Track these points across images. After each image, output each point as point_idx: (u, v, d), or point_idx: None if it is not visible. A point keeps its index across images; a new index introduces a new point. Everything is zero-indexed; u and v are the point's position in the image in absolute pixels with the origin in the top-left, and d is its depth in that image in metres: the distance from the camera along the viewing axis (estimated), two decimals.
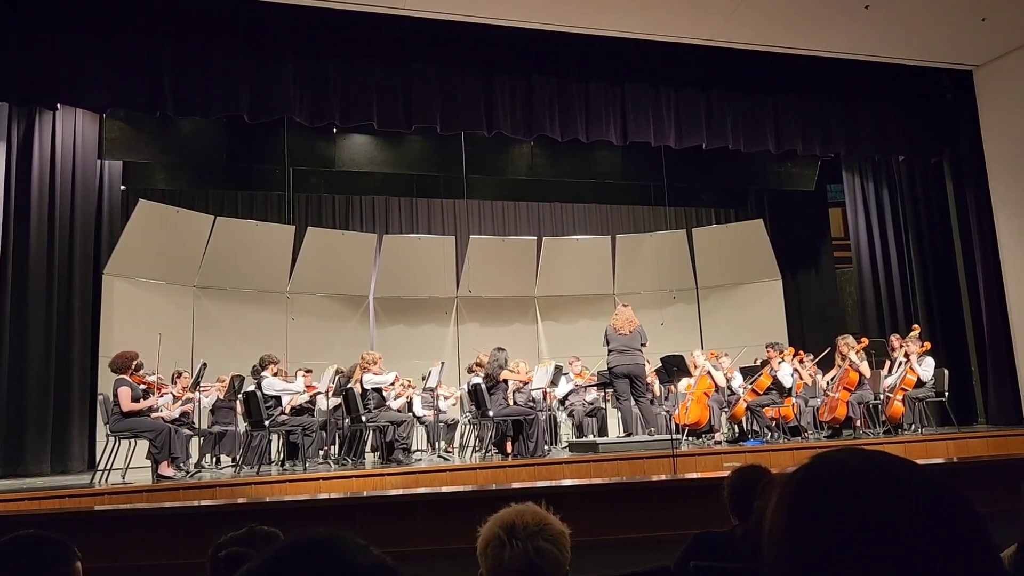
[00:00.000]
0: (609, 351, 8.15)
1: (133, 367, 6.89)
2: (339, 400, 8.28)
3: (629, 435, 8.16)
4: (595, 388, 9.66)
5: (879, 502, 0.65)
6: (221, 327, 10.32)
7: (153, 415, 7.06)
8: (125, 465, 6.98)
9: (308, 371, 8.69)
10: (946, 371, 8.68)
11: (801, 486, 0.70)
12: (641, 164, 11.40)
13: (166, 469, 6.72)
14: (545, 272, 12.13)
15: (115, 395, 6.78)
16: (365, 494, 5.25)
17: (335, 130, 10.41)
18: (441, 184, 12.07)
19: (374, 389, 7.94)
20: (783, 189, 12.45)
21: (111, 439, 6.83)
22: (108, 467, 6.76)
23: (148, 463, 6.93)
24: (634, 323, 8.12)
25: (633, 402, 8.19)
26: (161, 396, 7.29)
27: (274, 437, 8.19)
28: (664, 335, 8.81)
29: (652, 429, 8.23)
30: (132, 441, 6.99)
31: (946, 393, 8.56)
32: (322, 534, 0.71)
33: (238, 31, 7.84)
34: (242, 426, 8.29)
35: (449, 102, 8.47)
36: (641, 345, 8.10)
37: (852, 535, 0.64)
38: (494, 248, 12.19)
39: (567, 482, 5.88)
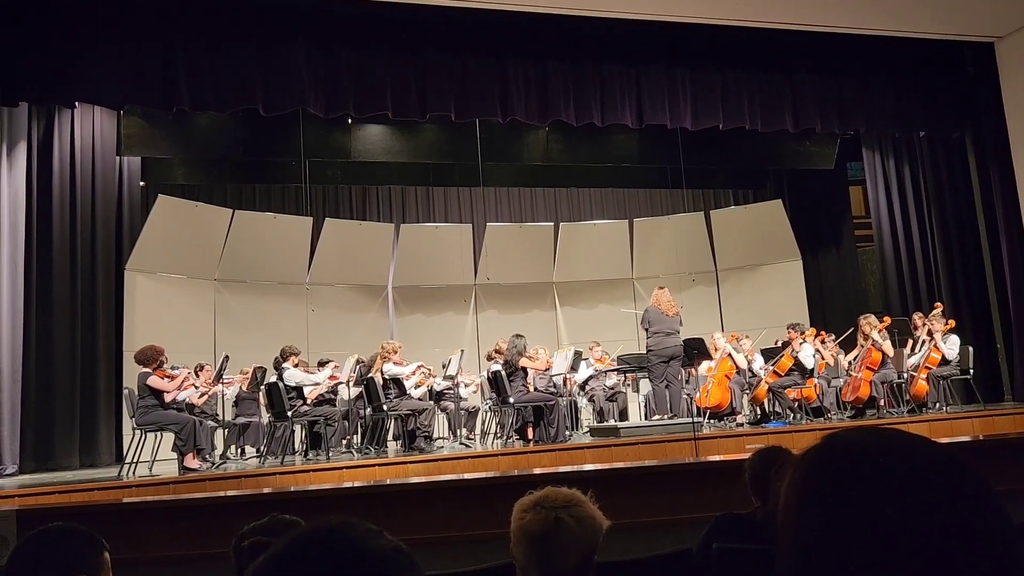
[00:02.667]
0: (653, 332, 8.23)
1: (158, 363, 6.96)
2: (360, 390, 8.33)
3: (669, 417, 8.17)
4: (615, 373, 9.66)
5: (891, 480, 0.64)
6: (242, 319, 10.41)
7: (180, 395, 7.17)
8: (152, 458, 7.06)
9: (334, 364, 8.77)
10: (971, 348, 8.58)
11: (813, 465, 0.70)
12: (657, 147, 11.32)
13: (192, 461, 6.79)
14: (563, 258, 12.11)
15: (143, 387, 6.85)
16: (388, 482, 5.29)
17: (350, 121, 10.42)
18: (457, 172, 12.05)
19: (394, 380, 7.99)
20: (802, 168, 12.32)
21: (137, 432, 6.91)
22: (135, 460, 6.85)
23: (174, 455, 7.01)
24: (675, 306, 8.33)
25: (665, 385, 8.24)
26: (184, 391, 7.36)
27: (297, 427, 8.26)
28: (684, 318, 8.77)
29: (674, 413, 8.23)
30: (158, 434, 7.08)
31: (971, 370, 8.47)
32: (335, 521, 0.72)
33: (250, 24, 7.86)
34: (265, 417, 8.37)
35: (463, 90, 8.45)
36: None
37: (863, 513, 0.63)
38: (511, 235, 12.18)
39: (589, 467, 5.89)
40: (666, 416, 8.12)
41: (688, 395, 8.90)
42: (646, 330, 8.39)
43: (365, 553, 0.69)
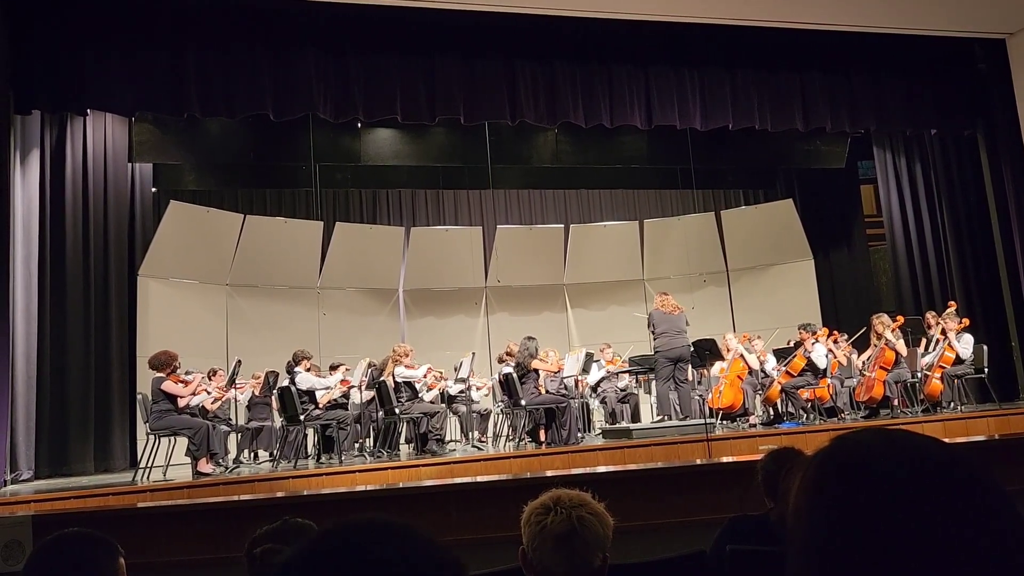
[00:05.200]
0: (659, 334, 8.29)
1: (172, 368, 7.01)
2: (372, 393, 8.35)
3: (669, 417, 8.17)
4: (627, 374, 9.64)
5: (898, 481, 0.64)
6: (254, 324, 10.45)
7: (194, 401, 7.21)
8: (166, 462, 7.10)
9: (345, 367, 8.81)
10: (985, 347, 8.52)
11: (821, 467, 0.70)
12: (667, 147, 11.30)
13: (205, 466, 6.83)
14: (573, 259, 12.10)
15: (157, 392, 6.89)
16: (401, 485, 5.29)
17: (359, 125, 10.45)
18: (466, 175, 12.07)
19: (405, 383, 8.00)
20: (812, 167, 12.26)
21: (151, 437, 6.96)
22: (149, 465, 6.89)
23: (188, 460, 7.05)
24: (679, 306, 8.41)
25: (673, 386, 8.22)
26: (198, 395, 7.39)
27: (310, 431, 8.29)
28: (695, 319, 8.78)
29: (685, 414, 8.22)
30: (172, 439, 7.12)
31: (985, 369, 8.40)
32: (387, 518, 0.70)
33: (259, 30, 7.90)
34: (278, 421, 8.40)
35: (472, 92, 8.46)
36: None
37: (871, 514, 0.63)
38: (521, 237, 12.18)
39: (602, 469, 5.88)
40: (674, 418, 8.12)
41: (700, 396, 8.88)
42: (652, 332, 8.43)
43: (431, 551, 0.67)
